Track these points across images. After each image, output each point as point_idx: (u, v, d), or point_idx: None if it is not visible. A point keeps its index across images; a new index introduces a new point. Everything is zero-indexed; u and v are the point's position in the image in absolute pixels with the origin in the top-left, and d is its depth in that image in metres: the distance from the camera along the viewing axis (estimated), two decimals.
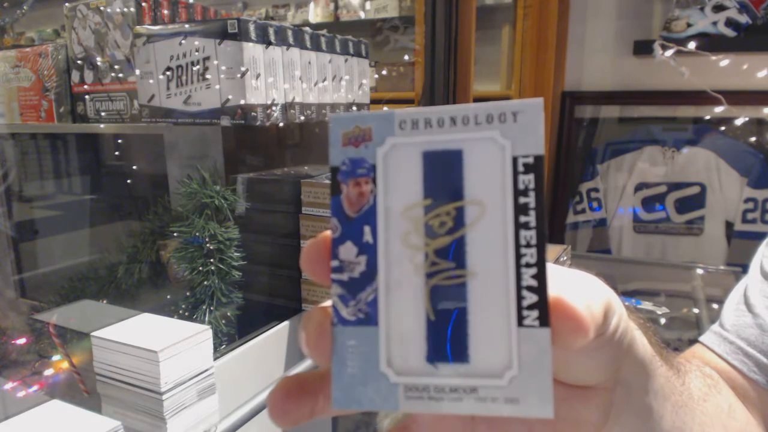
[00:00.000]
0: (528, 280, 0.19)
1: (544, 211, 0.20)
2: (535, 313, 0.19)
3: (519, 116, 0.20)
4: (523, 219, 0.20)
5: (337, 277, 0.21)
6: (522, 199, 0.20)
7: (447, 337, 0.20)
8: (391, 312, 0.20)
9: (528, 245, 0.19)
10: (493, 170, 0.20)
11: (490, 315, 0.20)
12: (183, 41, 0.93)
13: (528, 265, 0.19)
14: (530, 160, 0.20)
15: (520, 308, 0.19)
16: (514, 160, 0.20)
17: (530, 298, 0.19)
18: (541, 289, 0.19)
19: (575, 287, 0.21)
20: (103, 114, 1.16)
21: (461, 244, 0.20)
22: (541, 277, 0.19)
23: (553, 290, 0.20)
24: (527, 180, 0.20)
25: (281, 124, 1.00)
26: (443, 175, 0.20)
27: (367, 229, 0.21)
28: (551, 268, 0.21)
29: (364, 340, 0.20)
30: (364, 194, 0.21)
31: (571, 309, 0.20)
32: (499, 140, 0.20)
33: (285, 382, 0.24)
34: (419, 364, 0.20)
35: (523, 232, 0.19)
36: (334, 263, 0.21)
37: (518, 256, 0.19)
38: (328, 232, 0.22)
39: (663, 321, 1.10)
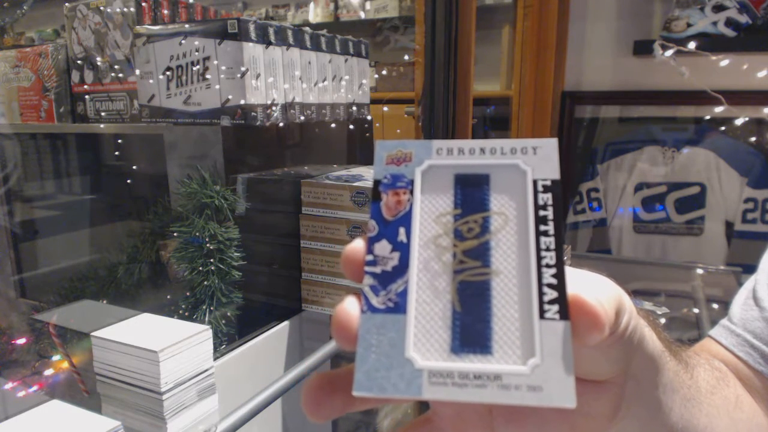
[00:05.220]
0: (548, 279, 0.21)
1: (561, 222, 0.23)
2: (555, 308, 0.21)
3: (538, 150, 0.24)
4: (542, 228, 0.22)
5: (371, 270, 0.23)
6: (542, 212, 0.23)
7: (472, 327, 0.21)
8: (419, 302, 0.22)
9: (548, 249, 0.22)
10: (516, 189, 0.23)
11: (513, 309, 0.21)
12: (183, 41, 0.93)
13: (548, 266, 0.22)
14: (548, 182, 0.23)
15: (541, 303, 0.21)
16: (535, 182, 0.23)
17: (551, 294, 0.21)
18: (560, 286, 0.21)
19: (591, 287, 0.22)
20: (103, 114, 1.16)
21: (486, 247, 0.23)
22: (560, 276, 0.21)
23: (571, 289, 0.21)
24: (546, 197, 0.23)
25: (281, 124, 1.00)
26: (472, 191, 0.24)
27: (402, 230, 0.23)
28: (567, 270, 0.23)
29: (392, 327, 0.21)
30: (402, 202, 0.24)
31: (589, 306, 0.21)
32: (522, 166, 0.24)
33: (318, 378, 0.24)
34: (444, 351, 0.21)
35: (543, 239, 0.22)
36: (369, 257, 0.23)
37: (539, 258, 0.22)
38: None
39: (663, 321, 1.10)
